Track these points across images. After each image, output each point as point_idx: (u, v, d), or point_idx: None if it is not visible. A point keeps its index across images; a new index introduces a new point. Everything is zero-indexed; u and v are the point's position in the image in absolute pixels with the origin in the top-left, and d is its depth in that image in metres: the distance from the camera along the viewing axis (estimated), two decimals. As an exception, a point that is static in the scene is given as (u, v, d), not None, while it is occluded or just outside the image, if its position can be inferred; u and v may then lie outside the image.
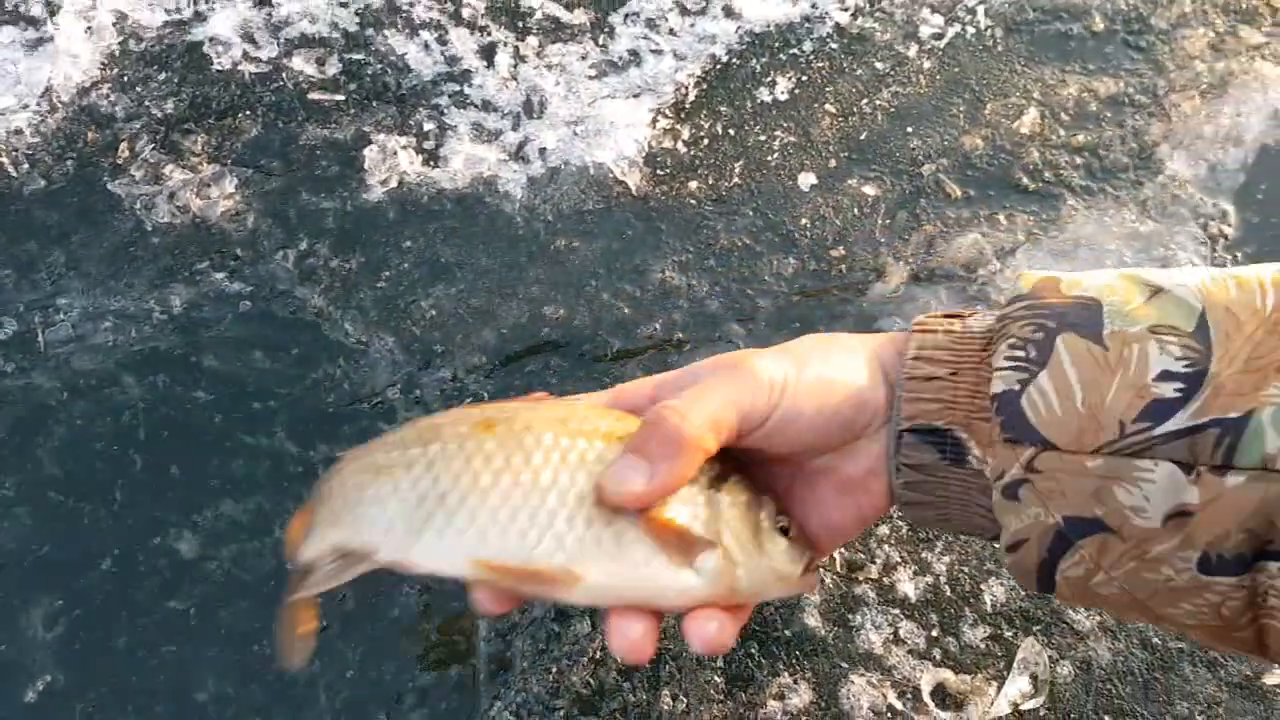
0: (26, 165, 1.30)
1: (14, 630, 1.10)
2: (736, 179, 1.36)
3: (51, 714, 1.05)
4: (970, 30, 1.52)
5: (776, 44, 1.46)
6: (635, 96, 1.37)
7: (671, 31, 1.43)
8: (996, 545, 0.66)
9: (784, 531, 0.65)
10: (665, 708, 1.05)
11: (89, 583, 1.12)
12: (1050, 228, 1.37)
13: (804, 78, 1.44)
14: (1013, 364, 0.58)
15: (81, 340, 1.23)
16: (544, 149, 1.34)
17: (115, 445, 1.19)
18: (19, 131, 1.31)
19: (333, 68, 1.38)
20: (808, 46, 1.46)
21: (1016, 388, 0.58)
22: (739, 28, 1.45)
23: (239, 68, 1.37)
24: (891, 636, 1.09)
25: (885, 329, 1.28)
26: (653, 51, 1.41)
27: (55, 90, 1.33)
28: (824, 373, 0.65)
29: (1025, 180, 1.41)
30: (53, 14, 1.38)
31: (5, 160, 1.30)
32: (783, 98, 1.42)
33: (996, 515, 0.61)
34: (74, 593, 1.12)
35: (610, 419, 0.64)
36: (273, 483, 1.19)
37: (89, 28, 1.37)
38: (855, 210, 1.35)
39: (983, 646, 1.08)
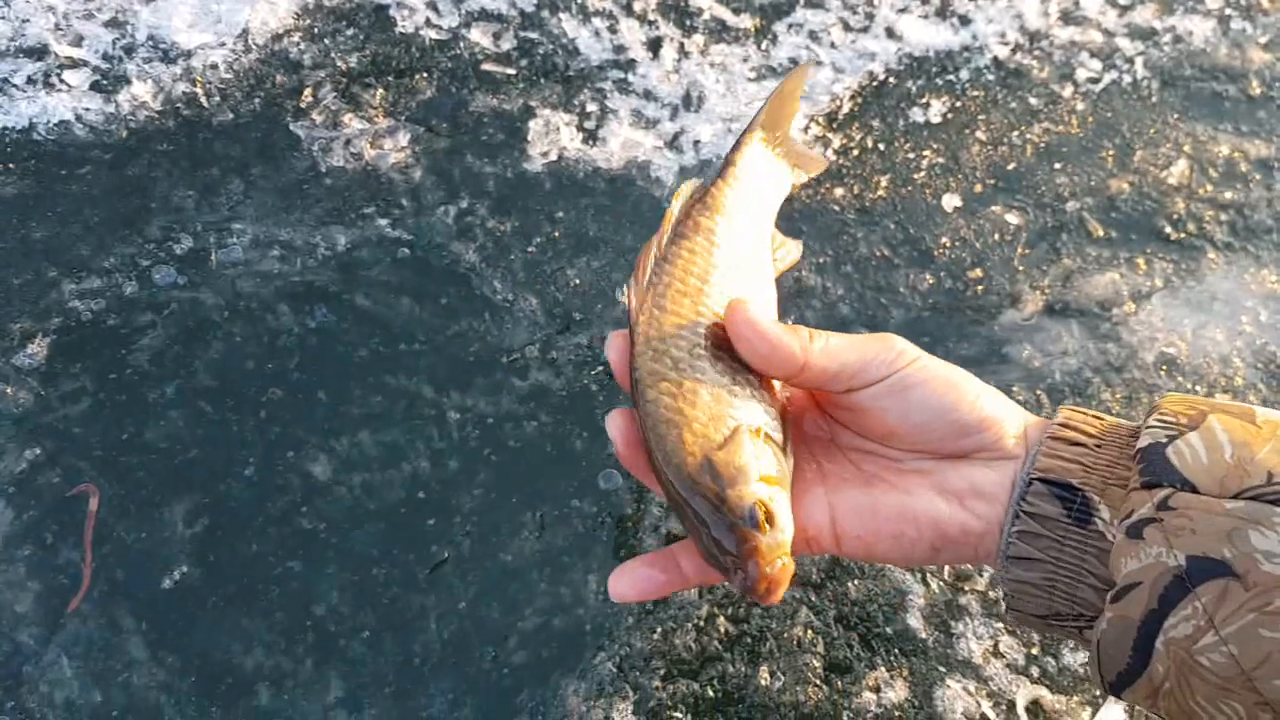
0: (218, 99, 1.44)
1: (157, 522, 1.21)
2: (881, 192, 1.45)
3: (183, 603, 1.16)
4: (1126, 78, 1.59)
5: (934, 68, 1.55)
6: (791, 102, 1.47)
7: (833, 45, 1.53)
8: (1088, 638, 0.63)
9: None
10: (763, 683, 1.12)
11: (228, 489, 1.24)
12: (1189, 278, 1.42)
13: (957, 104, 1.53)
14: (1162, 424, 0.61)
15: (249, 265, 1.36)
16: (698, 141, 1.45)
17: (267, 365, 1.31)
18: (214, 66, 1.46)
19: (507, 43, 1.50)
20: (964, 75, 1.55)
21: (1164, 440, 0.60)
22: (899, 49, 1.55)
23: (420, 33, 1.50)
24: (992, 648, 1.15)
25: (1013, 355, 1.35)
26: (813, 62, 1.51)
27: (251, 33, 1.48)
28: (961, 378, 0.67)
29: (1168, 229, 1.46)
30: (256, -36, 1.54)
31: (199, 92, 1.45)
32: (935, 120, 1.50)
33: (1111, 562, 0.60)
34: (214, 496, 1.23)
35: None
36: (407, 421, 1.30)
37: (288, -20, 1.52)
38: (996, 236, 1.43)
39: (1081, 670, 1.13)
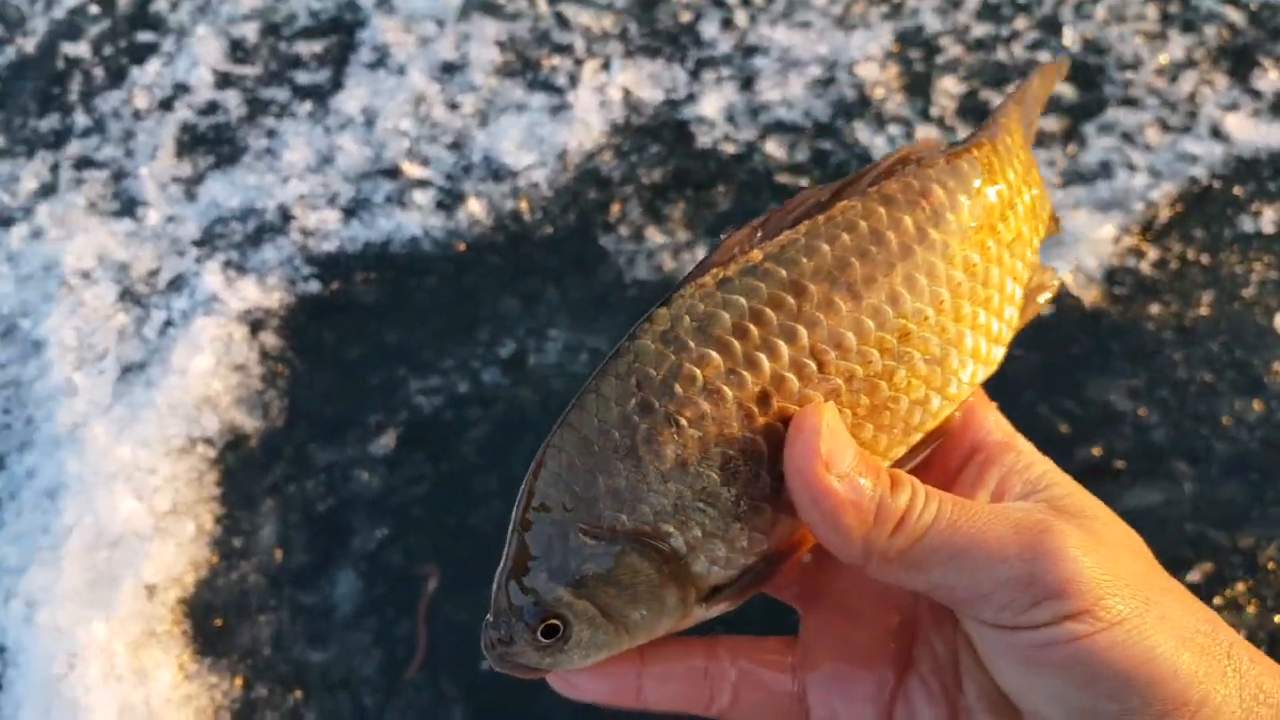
0: (540, 214, 1.64)
1: (481, 604, 1.40)
2: (1203, 309, 1.39)
3: (498, 683, 1.33)
4: None
5: (1266, 171, 1.46)
6: (1102, 210, 1.44)
7: (1148, 147, 1.49)
8: None
9: None
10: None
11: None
12: None
13: (1296, 210, 1.43)
14: None
15: (561, 367, 1.53)
16: (996, 252, 1.46)
17: (574, 463, 1.47)
18: (536, 185, 1.66)
19: (801, 153, 1.59)
20: (1305, 177, 1.45)
21: None
22: (1225, 150, 1.48)
23: (718, 146, 1.63)
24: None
25: (1363, 498, 1.24)
26: (1126, 165, 1.48)
27: (569, 153, 1.67)
28: (1174, 648, 0.43)
29: None
30: (573, 84, 1.74)
31: (523, 208, 1.65)
32: (1267, 229, 1.42)
33: None
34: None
35: None
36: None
37: (602, 101, 1.71)
38: (1342, 362, 1.33)
39: None
